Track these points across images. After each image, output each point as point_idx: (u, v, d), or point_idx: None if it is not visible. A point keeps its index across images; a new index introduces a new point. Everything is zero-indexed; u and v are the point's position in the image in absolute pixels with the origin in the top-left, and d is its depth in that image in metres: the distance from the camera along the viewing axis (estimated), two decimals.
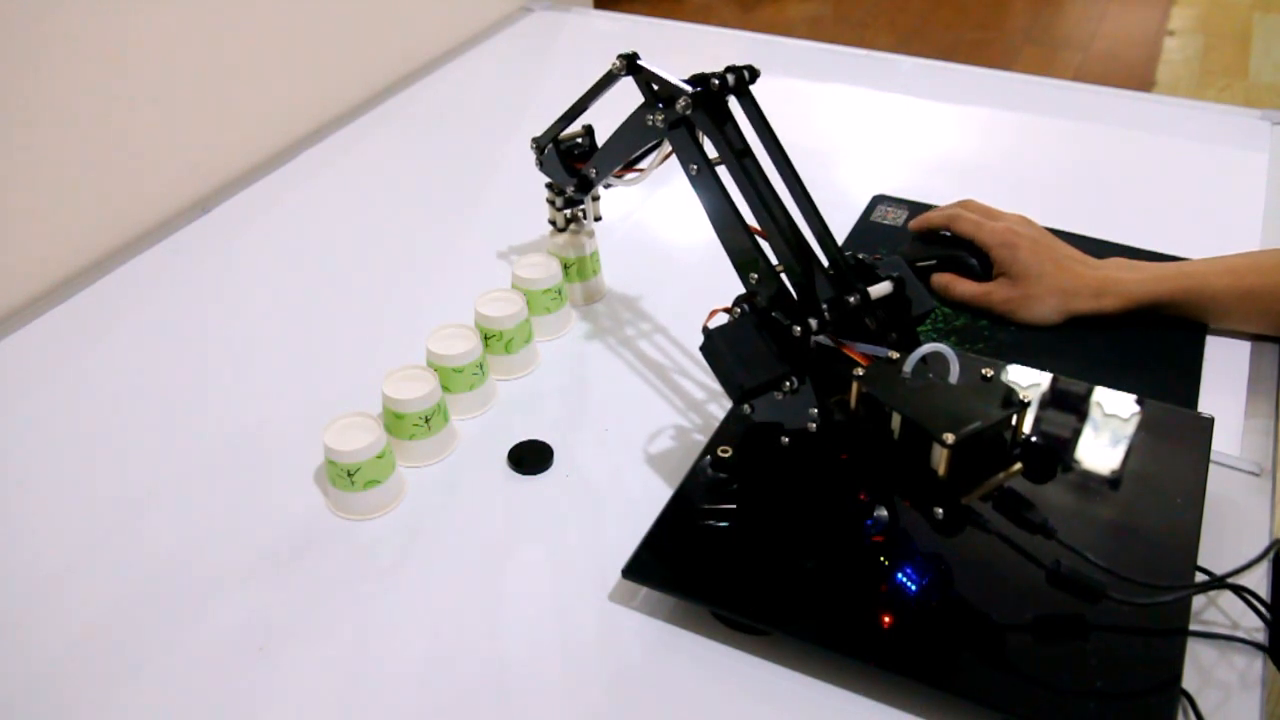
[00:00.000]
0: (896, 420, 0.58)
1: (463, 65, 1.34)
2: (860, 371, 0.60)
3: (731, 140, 0.67)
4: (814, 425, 0.64)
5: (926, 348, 0.59)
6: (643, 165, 0.79)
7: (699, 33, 1.42)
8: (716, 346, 0.66)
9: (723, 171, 0.68)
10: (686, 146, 0.68)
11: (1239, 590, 0.61)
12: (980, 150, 1.14)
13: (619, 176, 0.81)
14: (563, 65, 1.36)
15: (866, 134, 1.16)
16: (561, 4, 1.50)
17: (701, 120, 0.67)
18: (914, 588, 0.60)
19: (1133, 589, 0.56)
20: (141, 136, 0.98)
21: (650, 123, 0.70)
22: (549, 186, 0.87)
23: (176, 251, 0.97)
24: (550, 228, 0.89)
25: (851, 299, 0.63)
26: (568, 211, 0.87)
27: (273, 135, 1.13)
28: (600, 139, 0.81)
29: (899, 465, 0.58)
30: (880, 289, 0.64)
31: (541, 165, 0.87)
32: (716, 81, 0.67)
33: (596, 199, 0.88)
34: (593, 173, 0.81)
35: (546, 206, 0.88)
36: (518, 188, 1.06)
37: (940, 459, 0.55)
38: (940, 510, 0.56)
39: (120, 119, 0.96)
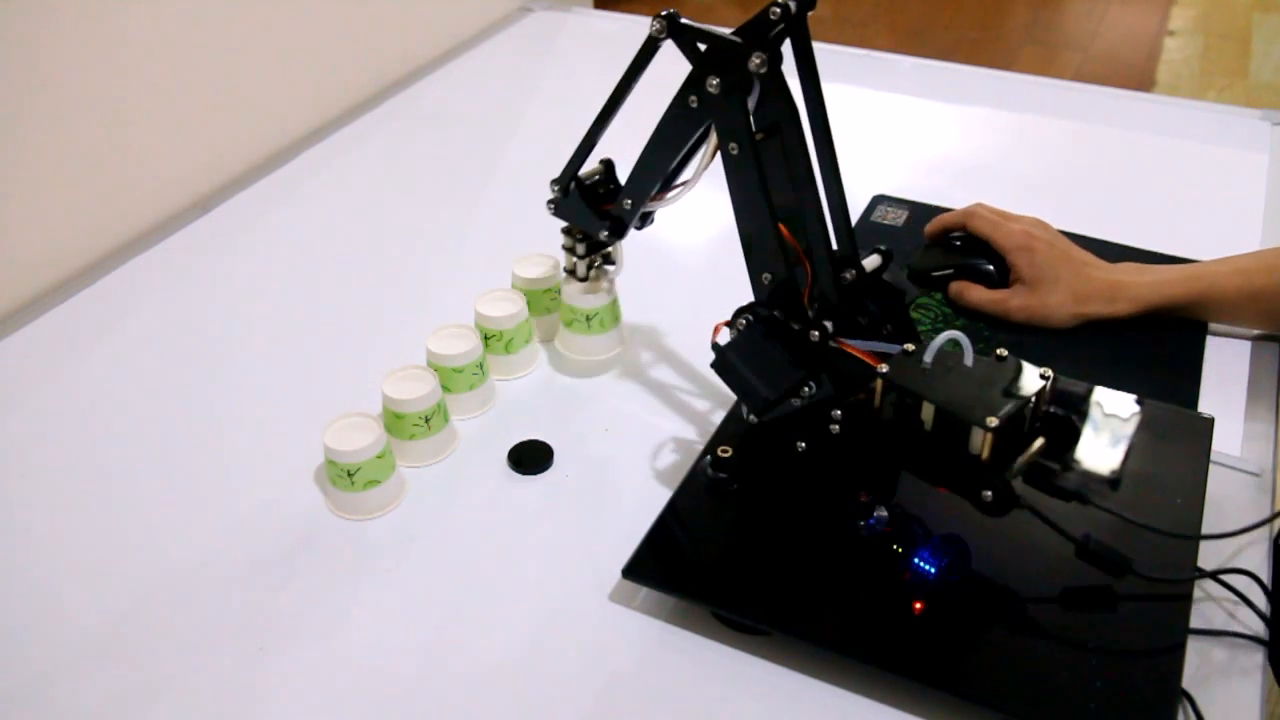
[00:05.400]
0: (929, 410, 0.58)
1: (463, 65, 1.34)
2: (885, 367, 0.59)
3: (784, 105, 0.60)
4: (837, 427, 0.63)
5: (945, 335, 0.60)
6: (684, 175, 0.70)
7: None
8: (729, 361, 0.65)
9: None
10: (736, 119, 0.61)
11: (1252, 575, 0.62)
12: (980, 150, 1.14)
13: (657, 200, 0.70)
14: (563, 65, 1.36)
15: (866, 134, 1.16)
16: (561, 4, 1.50)
17: (773, 81, 0.59)
18: (933, 570, 0.60)
19: (1157, 560, 0.58)
20: (141, 136, 0.98)
21: (694, 103, 0.62)
22: (567, 232, 0.77)
23: (176, 251, 0.97)
24: (564, 274, 0.80)
25: (847, 275, 0.62)
26: (591, 258, 0.77)
27: (273, 135, 1.13)
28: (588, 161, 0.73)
29: (934, 455, 0.58)
30: (870, 261, 0.64)
31: (557, 209, 0.75)
32: (778, 10, 0.58)
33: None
34: (627, 205, 0.71)
35: (562, 254, 0.78)
36: (518, 188, 1.06)
37: (984, 443, 0.56)
38: (989, 493, 0.56)
39: (120, 119, 0.96)
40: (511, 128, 1.19)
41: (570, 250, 0.77)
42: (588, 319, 0.78)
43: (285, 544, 0.67)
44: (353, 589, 0.64)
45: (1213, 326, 0.83)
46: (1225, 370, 0.79)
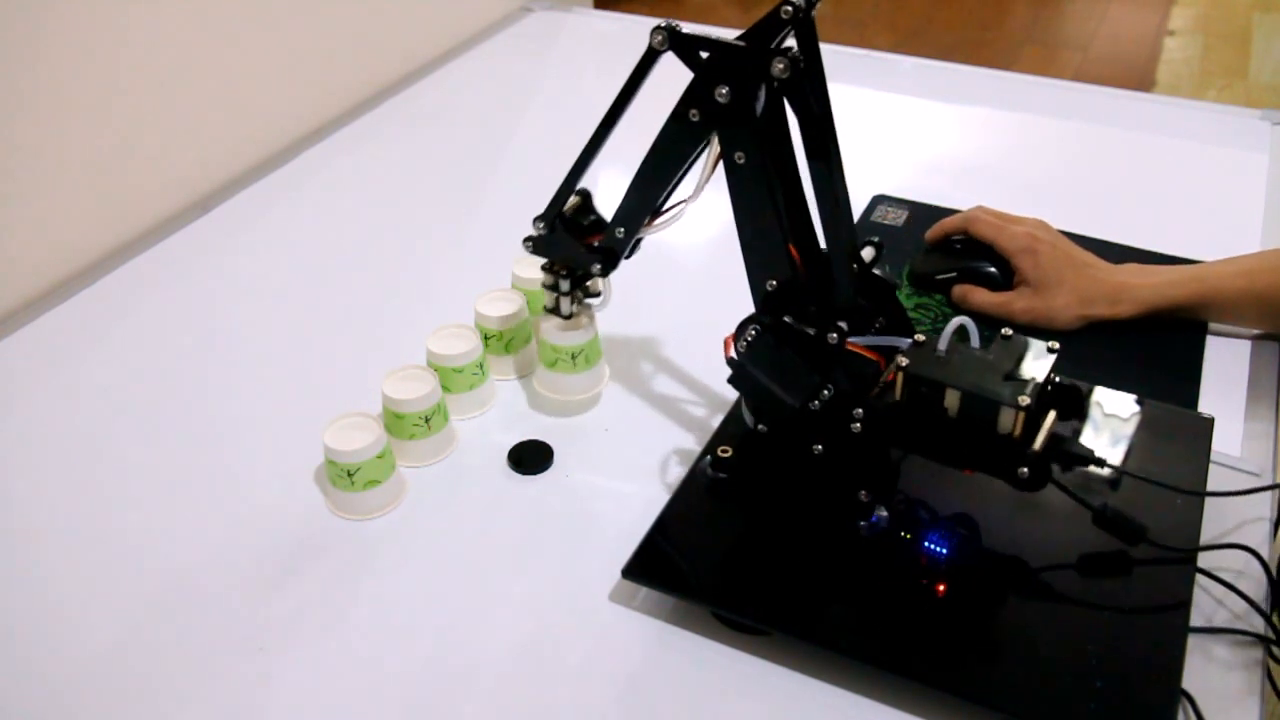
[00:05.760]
0: (953, 397, 0.58)
1: (463, 65, 1.34)
2: (904, 360, 0.60)
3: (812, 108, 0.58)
4: (858, 426, 0.62)
5: (954, 323, 0.61)
6: (676, 194, 0.67)
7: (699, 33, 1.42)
8: (748, 374, 0.65)
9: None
10: (747, 128, 0.59)
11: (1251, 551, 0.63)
12: (980, 150, 1.14)
13: (650, 225, 0.67)
14: (563, 65, 1.36)
15: (866, 134, 1.16)
16: (561, 4, 1.50)
17: (796, 84, 0.57)
18: (945, 551, 0.61)
19: (1166, 532, 0.61)
20: (142, 136, 0.98)
21: (695, 117, 0.60)
22: (549, 269, 0.72)
23: (176, 251, 0.97)
24: (543, 312, 0.75)
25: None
26: (575, 293, 0.73)
27: (273, 135, 1.13)
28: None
29: (960, 441, 0.59)
30: (866, 253, 0.65)
31: (536, 247, 0.71)
32: (790, 9, 0.56)
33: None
34: (620, 235, 0.67)
35: (547, 296, 0.74)
36: (518, 188, 1.06)
37: (1016, 422, 0.57)
38: (1025, 469, 0.58)
39: (121, 118, 0.96)
40: (511, 128, 1.19)
41: (552, 288, 0.73)
42: (573, 357, 0.74)
43: (285, 544, 0.67)
44: (353, 589, 0.64)
45: (1213, 326, 0.83)
46: (1225, 370, 0.79)
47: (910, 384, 0.60)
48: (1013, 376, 0.59)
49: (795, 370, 0.63)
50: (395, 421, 0.71)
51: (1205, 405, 0.76)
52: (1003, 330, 0.62)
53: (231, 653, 0.60)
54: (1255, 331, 0.83)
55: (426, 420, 0.71)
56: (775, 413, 0.65)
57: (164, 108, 1.00)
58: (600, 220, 0.71)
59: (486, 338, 0.78)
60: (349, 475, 0.67)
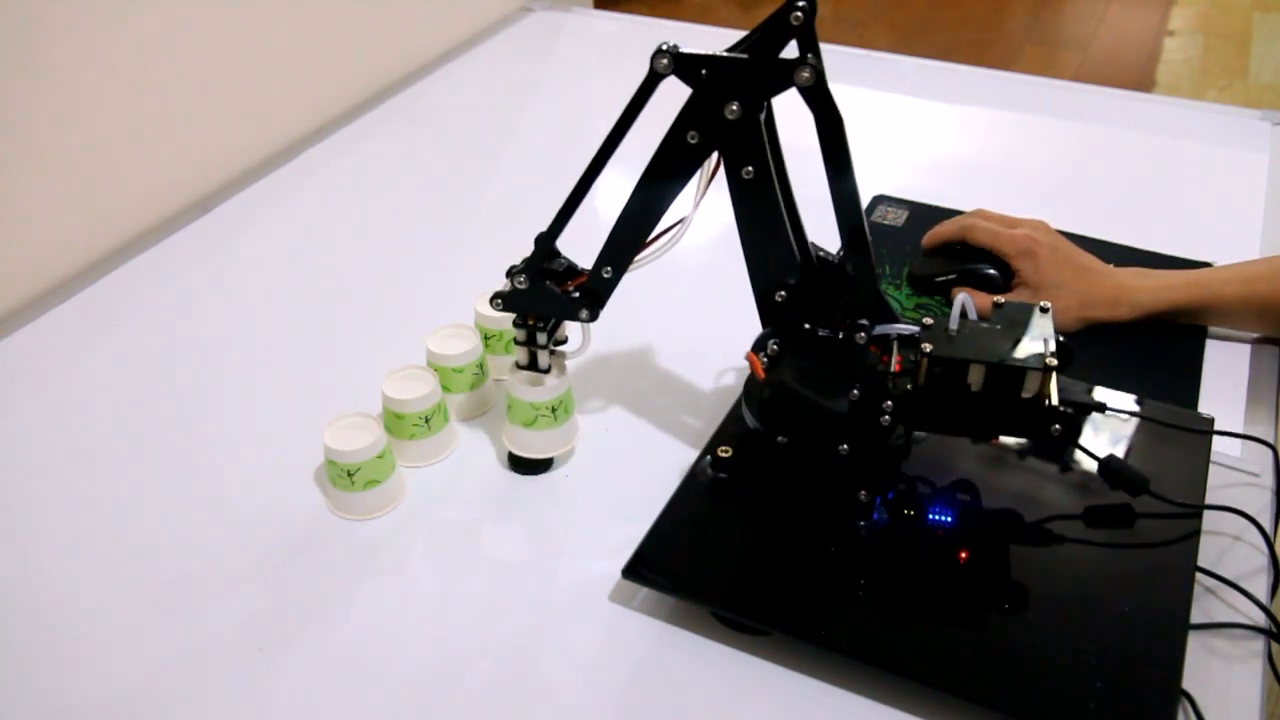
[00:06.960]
0: (977, 372, 0.59)
1: (463, 65, 1.34)
2: (928, 346, 0.60)
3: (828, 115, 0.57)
4: (888, 418, 0.62)
5: (959, 302, 0.62)
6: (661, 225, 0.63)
7: (699, 33, 1.42)
8: (789, 389, 0.64)
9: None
10: (755, 142, 0.58)
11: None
12: (980, 150, 1.14)
13: (638, 257, 0.64)
14: (563, 65, 1.36)
15: (866, 134, 1.16)
16: (561, 4, 1.50)
17: (819, 90, 0.56)
18: (950, 518, 0.63)
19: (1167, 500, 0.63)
20: (141, 136, 0.98)
21: (694, 138, 0.59)
22: (521, 324, 0.66)
23: (176, 251, 0.97)
24: (512, 368, 0.69)
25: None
26: (552, 345, 0.68)
27: (273, 135, 1.13)
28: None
29: (986, 412, 0.60)
30: None
31: (508, 303, 0.65)
32: (800, 15, 0.55)
33: None
34: (607, 274, 0.64)
35: (520, 352, 0.68)
36: (518, 188, 1.06)
37: (1043, 383, 0.59)
38: (1058, 426, 0.59)
39: (120, 119, 0.96)
40: (511, 128, 1.19)
41: (528, 342, 0.67)
42: (553, 410, 0.69)
43: (285, 544, 0.67)
44: (353, 589, 0.64)
45: (1212, 329, 0.83)
46: (1225, 371, 0.79)
47: (931, 366, 0.60)
48: (1023, 341, 0.60)
49: (826, 376, 0.63)
50: (395, 421, 0.71)
51: (1205, 406, 0.76)
52: (994, 299, 0.64)
53: (231, 653, 0.60)
54: (1255, 334, 0.83)
55: (426, 420, 0.71)
56: (812, 421, 0.64)
57: (164, 108, 1.00)
58: (571, 264, 0.67)
59: (486, 338, 0.78)
60: (349, 475, 0.67)
